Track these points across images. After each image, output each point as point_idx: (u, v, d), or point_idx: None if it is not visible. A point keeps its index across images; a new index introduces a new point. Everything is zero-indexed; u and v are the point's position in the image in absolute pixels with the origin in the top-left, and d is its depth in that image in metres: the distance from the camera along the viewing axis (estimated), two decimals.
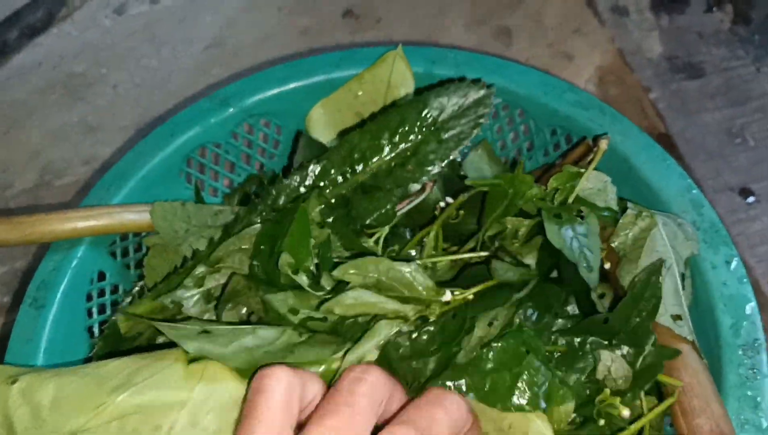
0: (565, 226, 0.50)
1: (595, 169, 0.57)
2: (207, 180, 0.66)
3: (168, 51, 0.94)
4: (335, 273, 0.47)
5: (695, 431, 0.45)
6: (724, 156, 0.77)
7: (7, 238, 0.54)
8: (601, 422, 0.46)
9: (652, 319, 0.47)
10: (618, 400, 0.45)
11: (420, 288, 0.46)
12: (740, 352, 0.50)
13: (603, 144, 0.54)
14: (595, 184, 0.53)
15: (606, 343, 0.47)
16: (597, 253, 0.50)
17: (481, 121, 0.55)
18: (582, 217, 0.51)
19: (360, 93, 0.64)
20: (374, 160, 0.55)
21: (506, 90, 0.62)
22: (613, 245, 0.52)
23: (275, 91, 0.64)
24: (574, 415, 0.45)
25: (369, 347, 0.44)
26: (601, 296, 0.54)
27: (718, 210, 0.74)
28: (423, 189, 0.59)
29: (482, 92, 0.56)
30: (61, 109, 0.90)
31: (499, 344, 0.45)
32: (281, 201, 0.53)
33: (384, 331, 0.44)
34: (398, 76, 0.62)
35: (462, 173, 0.64)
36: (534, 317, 0.48)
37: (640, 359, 0.47)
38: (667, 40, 0.86)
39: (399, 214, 0.57)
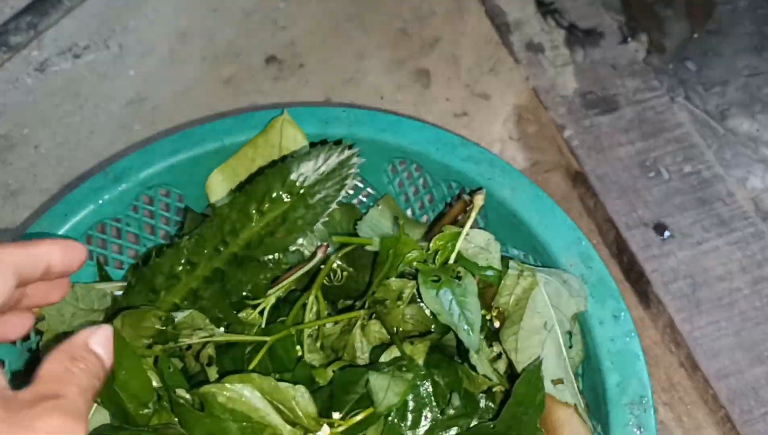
0: (443, 289, 0.50)
1: (485, 224, 0.57)
2: (110, 254, 0.65)
3: (90, 108, 0.94)
4: (204, 389, 0.45)
5: None
6: (638, 191, 0.77)
7: None
8: None
9: (539, 416, 0.47)
10: None
11: (301, 414, 0.45)
12: (627, 411, 0.49)
13: (478, 199, 0.54)
14: (477, 242, 0.53)
15: None
16: (476, 313, 0.49)
17: (346, 182, 0.55)
18: (459, 279, 0.50)
19: (255, 157, 0.63)
20: (244, 231, 0.54)
21: (400, 147, 0.63)
22: (498, 305, 0.52)
23: (167, 163, 0.64)
24: None
25: None
26: (498, 356, 0.54)
27: (632, 246, 0.74)
28: (314, 254, 0.59)
29: (345, 154, 0.56)
30: None
31: None
32: (158, 280, 0.53)
33: None
34: (289, 140, 0.62)
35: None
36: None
37: None
38: (582, 75, 0.86)
39: (290, 280, 0.57)
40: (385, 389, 0.46)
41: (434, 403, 0.48)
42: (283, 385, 0.45)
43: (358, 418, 0.46)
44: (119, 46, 0.99)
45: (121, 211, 0.64)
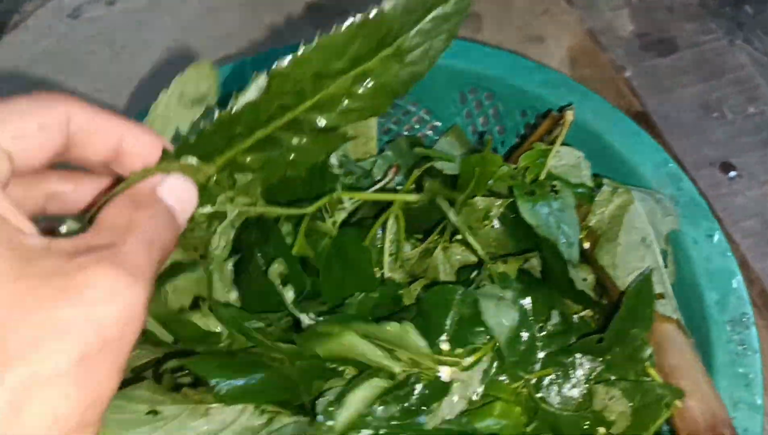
0: (539, 203, 0.48)
1: (568, 145, 0.55)
2: None
3: (126, 56, 0.91)
4: (324, 329, 0.42)
5: (685, 414, 0.43)
6: (703, 131, 0.75)
7: None
8: None
9: (647, 330, 0.44)
10: None
11: (415, 355, 0.41)
12: (728, 328, 0.48)
13: (569, 115, 0.52)
14: (568, 160, 0.51)
15: (599, 360, 0.44)
16: (575, 227, 0.48)
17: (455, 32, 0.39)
18: (556, 192, 0.48)
19: None
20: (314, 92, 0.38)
21: (473, 73, 0.60)
22: (590, 224, 0.50)
23: None
24: None
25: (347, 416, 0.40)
26: (584, 280, 0.52)
27: (700, 186, 0.72)
28: (386, 174, 0.57)
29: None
30: None
31: None
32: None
33: (367, 392, 0.41)
34: None
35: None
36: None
37: (638, 396, 0.44)
38: (638, 18, 0.84)
39: (366, 194, 0.53)
40: (494, 313, 0.43)
41: (533, 321, 0.46)
42: (389, 325, 0.41)
43: (479, 355, 0.43)
44: None
45: None
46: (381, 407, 0.41)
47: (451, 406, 0.41)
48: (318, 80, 0.36)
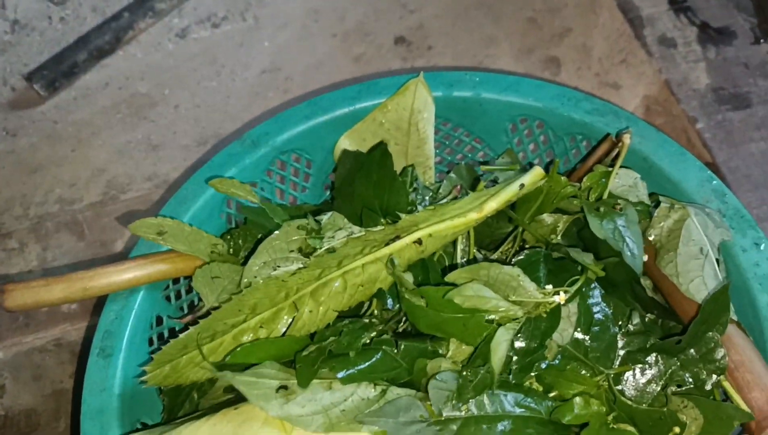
0: (605, 220, 0.53)
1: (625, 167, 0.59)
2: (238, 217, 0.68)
3: (226, 74, 0.98)
4: (450, 277, 0.50)
5: (751, 404, 0.48)
6: None
7: (68, 295, 0.55)
8: None
9: (722, 333, 0.49)
10: None
11: (529, 290, 0.48)
12: None
13: (626, 138, 0.58)
14: (626, 181, 0.57)
15: (675, 360, 0.50)
16: (639, 240, 0.52)
17: None
18: (620, 210, 0.53)
19: (384, 121, 0.67)
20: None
21: (524, 105, 0.66)
22: (650, 238, 0.55)
23: (301, 128, 0.67)
24: None
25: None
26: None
27: None
28: (450, 192, 0.61)
29: None
30: (125, 128, 0.94)
31: None
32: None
33: (505, 338, 0.48)
34: (421, 102, 0.65)
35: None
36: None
37: (711, 412, 0.49)
38: (714, 72, 0.87)
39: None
40: (576, 253, 0.52)
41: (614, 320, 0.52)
42: (506, 267, 0.49)
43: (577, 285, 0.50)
44: (255, 18, 1.04)
45: (257, 176, 0.67)
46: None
47: (563, 333, 0.49)
48: None
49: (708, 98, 0.85)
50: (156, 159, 0.91)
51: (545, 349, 0.49)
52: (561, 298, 0.48)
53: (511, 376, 0.48)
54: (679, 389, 0.49)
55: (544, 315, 0.48)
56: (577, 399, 0.48)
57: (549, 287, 0.49)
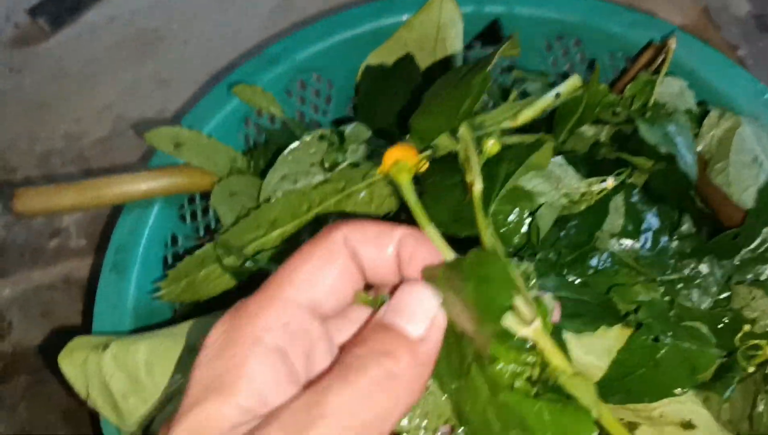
0: (656, 125, 0.50)
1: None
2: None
3: (235, 11, 0.95)
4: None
5: None
6: None
7: (80, 202, 0.53)
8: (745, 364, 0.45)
9: None
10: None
11: (573, 181, 0.46)
12: None
13: (672, 43, 0.54)
14: (672, 89, 0.53)
15: (731, 260, 0.47)
16: (691, 145, 0.50)
17: None
18: (670, 115, 0.50)
19: (409, 41, 0.63)
20: None
21: (561, 20, 0.62)
22: (698, 149, 0.52)
23: (323, 45, 0.63)
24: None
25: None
26: None
27: None
28: None
29: None
30: (132, 64, 0.91)
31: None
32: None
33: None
34: (447, 18, 0.61)
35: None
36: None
37: None
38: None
39: None
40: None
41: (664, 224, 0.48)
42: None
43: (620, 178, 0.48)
44: None
45: (277, 95, 0.62)
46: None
47: (613, 223, 0.46)
48: None
49: (749, 25, 0.82)
50: (165, 94, 0.88)
51: (595, 241, 0.45)
52: (609, 184, 0.45)
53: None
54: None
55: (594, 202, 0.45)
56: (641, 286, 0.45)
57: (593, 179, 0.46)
